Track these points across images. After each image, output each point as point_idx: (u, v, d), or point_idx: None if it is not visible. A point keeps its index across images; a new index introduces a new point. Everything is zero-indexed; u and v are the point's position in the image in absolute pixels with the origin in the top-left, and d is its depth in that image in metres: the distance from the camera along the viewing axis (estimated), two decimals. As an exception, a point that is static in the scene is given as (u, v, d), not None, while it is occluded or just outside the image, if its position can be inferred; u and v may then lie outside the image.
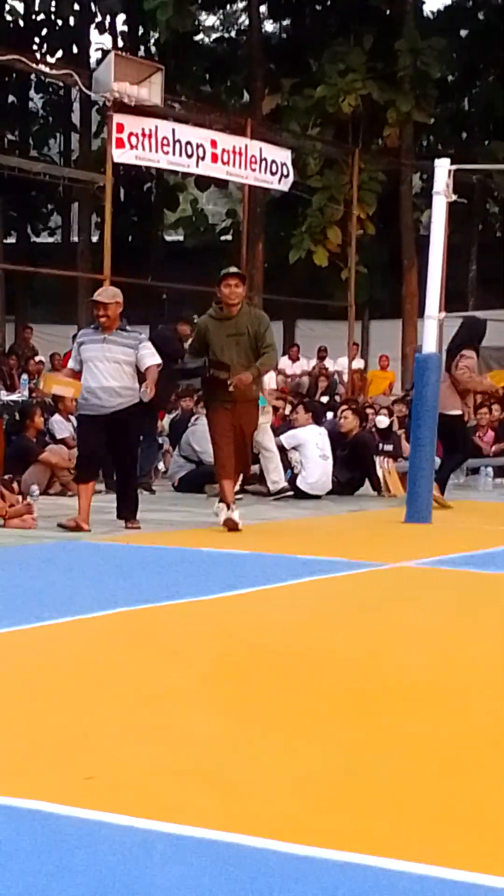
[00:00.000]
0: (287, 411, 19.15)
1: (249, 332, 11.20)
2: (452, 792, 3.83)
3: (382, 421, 19.60)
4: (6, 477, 13.10)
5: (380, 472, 17.05)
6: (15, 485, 12.96)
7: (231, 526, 11.20)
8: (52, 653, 5.93)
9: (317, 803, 3.68)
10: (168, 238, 41.45)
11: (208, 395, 11.93)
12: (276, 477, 15.55)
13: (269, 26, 38.17)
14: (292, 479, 15.79)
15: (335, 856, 3.22)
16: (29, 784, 3.77)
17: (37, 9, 33.78)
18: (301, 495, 15.59)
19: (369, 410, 20.42)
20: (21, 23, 35.28)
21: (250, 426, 11.79)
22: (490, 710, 4.96)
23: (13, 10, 34.73)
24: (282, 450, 15.88)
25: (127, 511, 11.81)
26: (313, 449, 15.80)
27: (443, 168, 13.46)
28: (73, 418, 16.80)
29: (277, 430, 16.70)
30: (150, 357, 11.54)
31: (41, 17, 35.09)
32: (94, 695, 5.05)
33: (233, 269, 11.72)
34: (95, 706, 4.86)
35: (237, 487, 12.93)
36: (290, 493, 15.53)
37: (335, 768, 4.04)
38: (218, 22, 46.21)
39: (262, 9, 34.42)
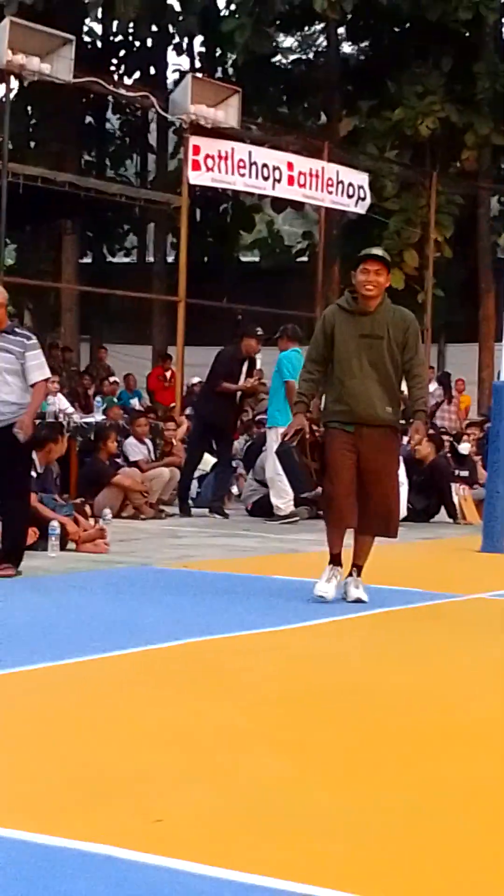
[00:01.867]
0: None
1: (390, 336, 8.38)
2: None
3: (464, 448, 19.40)
4: (79, 500, 13.11)
5: (456, 499, 16.93)
6: (88, 508, 12.98)
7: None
8: (118, 684, 5.89)
9: (373, 853, 3.61)
10: (243, 259, 41.54)
11: (325, 412, 8.82)
12: (280, 503, 15.29)
13: (347, 48, 38.07)
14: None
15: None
16: (93, 827, 3.73)
17: (115, 30, 33.88)
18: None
19: (446, 437, 20.28)
20: (99, 44, 35.51)
21: (386, 458, 8.62)
22: None
23: (91, 32, 34.88)
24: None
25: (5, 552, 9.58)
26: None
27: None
28: (147, 441, 16.87)
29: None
30: (38, 370, 9.26)
31: (119, 38, 35.24)
32: (156, 730, 5.01)
33: (375, 251, 8.65)
34: (157, 743, 4.81)
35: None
36: (297, 518, 15.24)
37: (395, 815, 3.98)
38: (296, 44, 46.26)
39: (341, 30, 34.37)
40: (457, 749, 4.92)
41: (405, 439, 11.05)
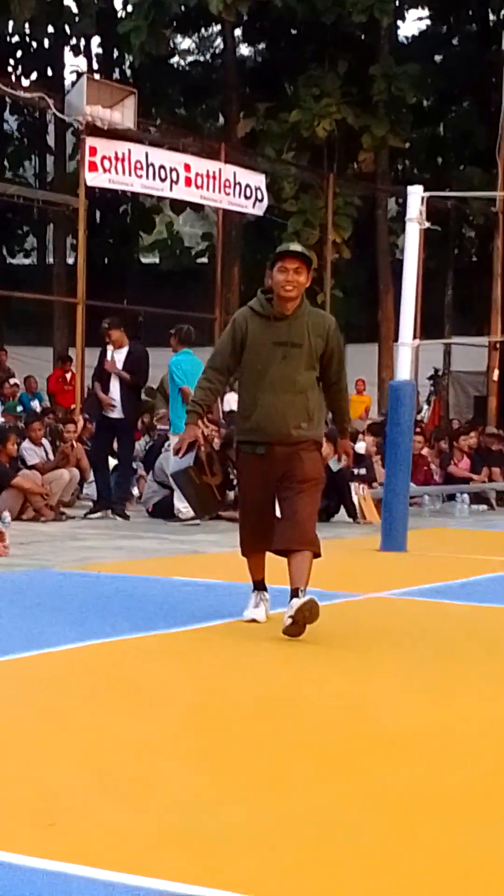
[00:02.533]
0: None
1: (310, 342, 7.30)
2: (429, 847, 3.77)
3: (360, 447, 19.51)
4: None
5: (355, 499, 17.01)
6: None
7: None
8: (20, 688, 5.85)
9: (282, 861, 3.61)
10: (144, 261, 41.48)
11: (239, 431, 7.88)
12: (182, 506, 15.03)
13: (244, 50, 38.26)
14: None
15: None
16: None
17: (10, 31, 33.69)
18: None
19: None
20: (-5, 45, 35.37)
21: (303, 474, 7.42)
22: (471, 757, 4.91)
23: (-14, 32, 34.78)
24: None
25: None
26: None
27: (416, 195, 13.48)
28: (44, 443, 16.77)
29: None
30: None
31: (15, 38, 35.05)
32: (59, 737, 4.99)
33: (294, 247, 7.56)
34: (59, 751, 4.78)
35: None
36: (198, 522, 15.01)
37: (303, 823, 3.97)
38: (193, 45, 46.41)
39: (238, 32, 34.45)
40: (369, 757, 4.93)
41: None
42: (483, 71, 34.24)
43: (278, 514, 7.53)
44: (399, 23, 36.87)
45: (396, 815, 4.06)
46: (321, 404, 7.61)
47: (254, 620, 7.50)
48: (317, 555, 7.43)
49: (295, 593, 7.17)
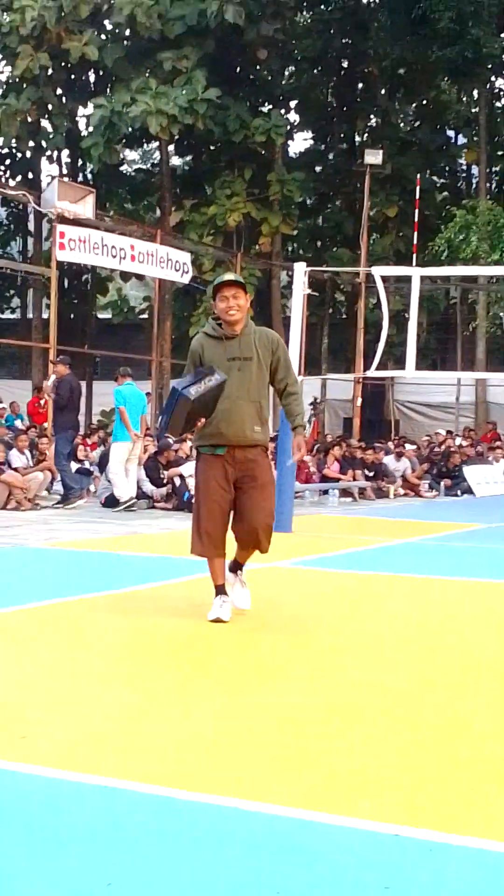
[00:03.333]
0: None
1: (259, 356, 6.43)
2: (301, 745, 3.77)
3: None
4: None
5: None
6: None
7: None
8: None
9: (192, 756, 3.59)
10: (100, 316, 41.12)
11: (198, 437, 6.58)
12: (117, 492, 15.28)
13: (176, 160, 38.05)
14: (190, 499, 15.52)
15: (215, 800, 3.14)
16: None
17: (1, 144, 33.39)
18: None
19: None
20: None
21: (259, 476, 6.43)
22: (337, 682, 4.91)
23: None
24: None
25: None
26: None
27: (300, 270, 13.50)
28: (26, 452, 16.56)
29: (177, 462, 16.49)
30: None
31: (5, 150, 34.69)
32: (29, 671, 4.92)
33: (227, 276, 6.53)
34: (27, 680, 4.72)
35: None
36: (133, 505, 15.17)
37: (214, 730, 3.95)
38: (138, 156, 46.15)
39: (171, 148, 34.33)
40: (252, 679, 4.88)
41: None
42: (351, 178, 34.45)
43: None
44: (290, 142, 37.14)
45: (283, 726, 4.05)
46: (268, 413, 6.75)
47: (219, 619, 6.31)
48: None
49: (238, 566, 6.65)
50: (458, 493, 22.22)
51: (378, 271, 14.13)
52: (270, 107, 34.10)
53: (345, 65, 37.14)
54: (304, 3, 34.74)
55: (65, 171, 35.42)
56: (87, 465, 18.33)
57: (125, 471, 15.25)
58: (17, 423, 22.43)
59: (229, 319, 6.27)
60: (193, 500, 6.53)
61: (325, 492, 19.76)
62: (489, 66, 32.07)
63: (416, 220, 26.73)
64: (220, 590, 6.44)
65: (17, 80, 29.80)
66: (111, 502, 15.44)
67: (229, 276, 6.42)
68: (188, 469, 15.81)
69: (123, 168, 38.52)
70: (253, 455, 6.34)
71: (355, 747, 3.73)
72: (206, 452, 6.38)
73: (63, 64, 30.47)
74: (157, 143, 34.19)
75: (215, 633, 6.00)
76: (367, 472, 21.12)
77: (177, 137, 31.33)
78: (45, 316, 33.27)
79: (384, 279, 13.72)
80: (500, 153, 36.20)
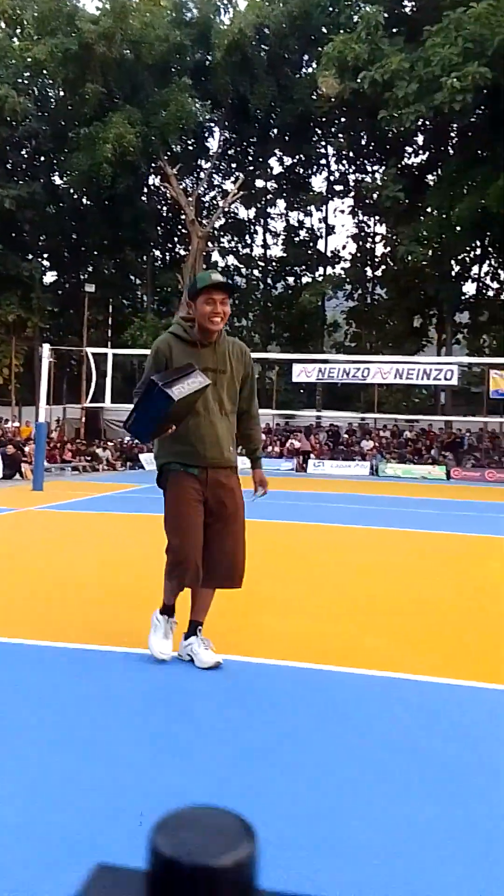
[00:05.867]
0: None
1: (232, 369, 5.25)
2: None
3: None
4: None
5: (24, 469, 21.58)
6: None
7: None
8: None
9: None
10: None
11: (167, 454, 5.26)
12: None
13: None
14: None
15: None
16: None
17: None
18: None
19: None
20: None
21: (232, 502, 5.24)
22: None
23: None
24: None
25: None
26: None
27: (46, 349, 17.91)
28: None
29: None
30: None
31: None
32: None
33: (218, 277, 5.04)
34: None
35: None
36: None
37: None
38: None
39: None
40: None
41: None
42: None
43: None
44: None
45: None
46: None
47: (162, 660, 5.18)
48: None
49: (195, 628, 5.31)
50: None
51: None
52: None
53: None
54: None
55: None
56: None
57: None
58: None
59: (211, 327, 5.09)
60: (165, 525, 5.13)
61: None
62: None
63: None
64: (168, 610, 5.40)
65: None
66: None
67: (220, 277, 5.08)
68: None
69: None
70: (225, 477, 5.22)
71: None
72: (177, 469, 5.17)
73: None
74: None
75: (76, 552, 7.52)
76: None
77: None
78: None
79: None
80: None
